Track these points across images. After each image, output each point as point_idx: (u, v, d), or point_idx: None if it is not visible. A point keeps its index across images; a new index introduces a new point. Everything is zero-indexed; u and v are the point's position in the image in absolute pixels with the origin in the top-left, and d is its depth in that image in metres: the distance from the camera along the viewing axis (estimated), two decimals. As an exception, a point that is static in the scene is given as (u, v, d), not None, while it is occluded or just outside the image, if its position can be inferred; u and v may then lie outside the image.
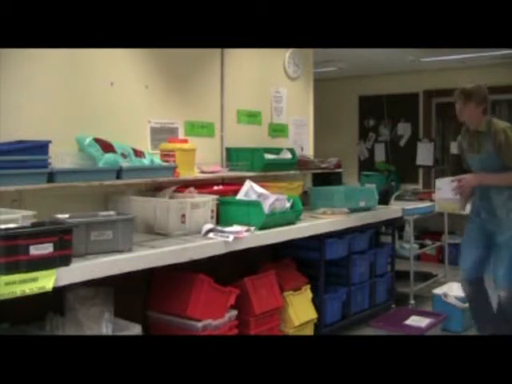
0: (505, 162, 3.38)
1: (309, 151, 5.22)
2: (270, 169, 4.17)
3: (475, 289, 3.71)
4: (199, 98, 4.05)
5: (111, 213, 2.88)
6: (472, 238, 3.72)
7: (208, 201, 3.36)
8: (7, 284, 2.13)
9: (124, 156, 3.15)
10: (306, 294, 3.88)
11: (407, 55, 6.24)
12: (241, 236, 3.15)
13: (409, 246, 5.24)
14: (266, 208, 3.43)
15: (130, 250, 2.69)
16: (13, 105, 2.92)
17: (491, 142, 3.40)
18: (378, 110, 7.81)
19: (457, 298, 4.36)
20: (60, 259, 2.31)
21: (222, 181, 4.00)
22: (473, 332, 4.34)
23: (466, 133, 3.62)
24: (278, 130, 4.82)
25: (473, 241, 3.70)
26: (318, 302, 3.94)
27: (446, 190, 3.61)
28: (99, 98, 3.34)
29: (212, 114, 4.17)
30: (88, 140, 3.06)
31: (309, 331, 3.87)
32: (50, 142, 2.79)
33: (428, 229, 6.80)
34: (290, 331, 3.69)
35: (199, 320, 3.06)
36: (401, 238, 5.67)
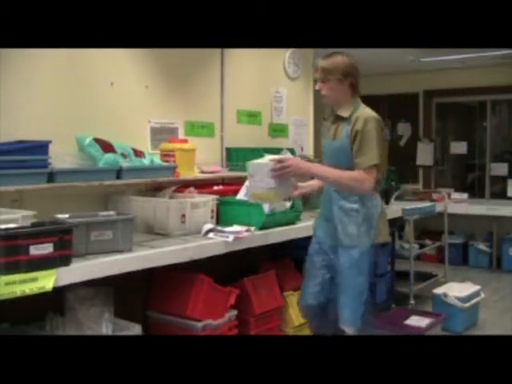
0: (353, 155, 2.68)
1: (309, 151, 5.22)
2: (269, 169, 4.17)
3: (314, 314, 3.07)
4: (199, 98, 4.05)
5: (111, 213, 2.88)
6: (312, 253, 3.02)
7: (208, 201, 3.36)
8: (7, 284, 2.13)
9: (124, 156, 3.15)
10: (306, 293, 3.87)
11: (407, 55, 6.24)
12: (241, 236, 3.14)
13: (409, 246, 5.24)
14: (266, 208, 3.42)
15: (130, 250, 2.69)
16: (13, 105, 2.92)
17: (350, 129, 2.72)
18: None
19: (457, 298, 4.37)
20: (60, 259, 2.31)
21: (222, 181, 3.99)
22: (473, 332, 4.35)
23: (331, 115, 2.89)
24: (277, 130, 4.82)
25: (313, 257, 3.00)
26: (317, 302, 3.93)
27: (261, 175, 2.71)
28: (99, 98, 3.34)
29: (212, 114, 4.17)
30: (88, 140, 3.06)
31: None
32: (50, 142, 2.79)
33: (428, 229, 6.80)
34: (290, 331, 3.69)
35: (199, 320, 3.06)
36: (401, 238, 5.67)
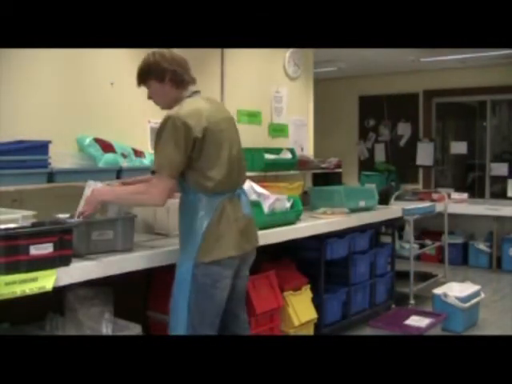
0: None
1: (309, 151, 5.22)
2: (270, 169, 4.17)
3: None
4: (199, 98, 4.04)
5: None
6: None
7: (208, 201, 3.36)
8: (7, 284, 2.13)
9: (124, 156, 3.15)
10: (306, 293, 3.88)
11: (407, 55, 6.24)
12: (241, 236, 3.14)
13: (409, 246, 5.24)
14: (266, 208, 3.42)
15: (130, 250, 2.69)
16: (13, 105, 2.92)
17: None
18: (378, 110, 7.82)
19: (457, 298, 4.37)
20: (60, 259, 2.31)
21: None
22: (473, 332, 4.35)
23: None
24: (278, 130, 4.82)
25: None
26: (317, 302, 3.94)
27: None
28: (99, 98, 3.34)
29: (212, 113, 4.16)
30: (88, 140, 3.06)
31: (309, 331, 3.87)
32: (50, 142, 2.79)
33: (428, 229, 6.81)
34: (290, 331, 3.69)
35: (199, 320, 3.06)
36: (401, 237, 5.67)
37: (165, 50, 2.53)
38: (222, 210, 2.43)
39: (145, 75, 2.52)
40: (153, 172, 2.42)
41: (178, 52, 3.73)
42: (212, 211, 2.42)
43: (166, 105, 2.54)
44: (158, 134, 2.38)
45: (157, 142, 2.38)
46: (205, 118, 2.41)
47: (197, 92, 2.56)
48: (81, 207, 2.56)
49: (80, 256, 2.50)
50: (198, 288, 2.40)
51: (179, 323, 2.43)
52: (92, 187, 2.58)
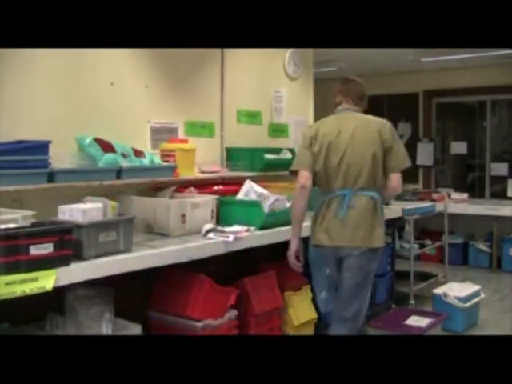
0: None
1: (309, 151, 5.21)
2: (269, 169, 4.17)
3: None
4: (199, 98, 4.04)
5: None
6: None
7: (208, 201, 3.36)
8: (7, 284, 2.13)
9: (124, 156, 3.15)
10: (306, 294, 3.88)
11: (407, 55, 6.24)
12: (241, 236, 3.15)
13: (409, 246, 5.24)
14: (266, 208, 3.42)
15: (129, 250, 2.69)
16: (13, 105, 2.92)
17: None
18: (378, 110, 7.80)
19: (457, 298, 4.37)
20: (60, 259, 2.31)
21: (222, 181, 3.99)
22: (473, 332, 4.35)
23: None
24: (278, 130, 4.82)
25: None
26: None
27: None
28: (99, 98, 3.34)
29: (212, 114, 4.17)
30: (88, 140, 3.06)
31: (309, 331, 3.87)
32: (50, 141, 2.79)
33: (428, 229, 6.80)
34: (290, 331, 3.69)
35: (199, 320, 3.06)
36: (401, 237, 5.67)
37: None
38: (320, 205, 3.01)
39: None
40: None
41: (178, 52, 3.75)
42: (319, 206, 3.03)
43: None
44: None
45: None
46: (326, 130, 2.97)
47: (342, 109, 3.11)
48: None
49: (89, 259, 2.48)
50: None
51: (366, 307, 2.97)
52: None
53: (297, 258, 3.01)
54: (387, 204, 5.13)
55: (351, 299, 2.90)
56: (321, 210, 2.97)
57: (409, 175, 7.49)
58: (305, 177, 2.92)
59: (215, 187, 3.75)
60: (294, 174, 3.00)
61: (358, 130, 2.93)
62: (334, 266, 2.97)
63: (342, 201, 2.89)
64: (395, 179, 2.99)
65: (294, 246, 3.00)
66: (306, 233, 3.10)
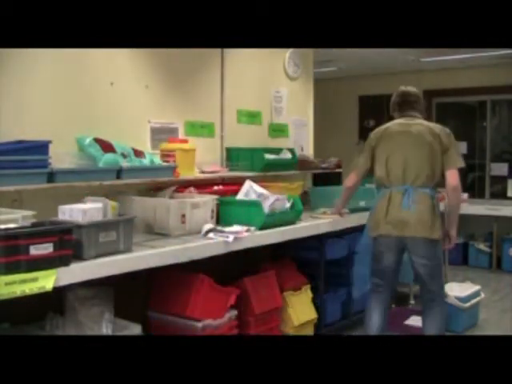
0: None
1: (309, 151, 5.22)
2: (269, 169, 4.17)
3: None
4: (199, 98, 4.04)
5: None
6: None
7: (208, 201, 3.36)
8: (7, 284, 2.13)
9: (124, 156, 3.15)
10: (306, 294, 3.88)
11: (407, 55, 6.24)
12: (241, 236, 3.15)
13: (409, 246, 5.22)
14: (266, 208, 3.42)
15: (129, 250, 2.69)
16: (13, 105, 2.92)
17: None
18: (378, 110, 7.81)
19: (457, 298, 4.36)
20: (60, 259, 2.31)
21: (222, 181, 4.00)
22: (473, 332, 4.35)
23: None
24: (278, 130, 4.82)
25: None
26: (318, 302, 3.94)
27: None
28: (99, 98, 3.34)
29: (212, 114, 4.17)
30: (88, 140, 3.06)
31: (309, 331, 3.87)
32: (50, 141, 2.79)
33: (428, 229, 6.78)
34: (290, 331, 3.69)
35: (199, 320, 3.06)
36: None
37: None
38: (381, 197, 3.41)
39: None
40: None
41: (177, 52, 3.75)
42: (378, 198, 3.47)
43: None
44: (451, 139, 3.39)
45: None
46: (386, 130, 3.43)
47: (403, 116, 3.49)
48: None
49: (89, 259, 2.48)
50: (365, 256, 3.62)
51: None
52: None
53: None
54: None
55: (431, 282, 3.31)
56: (382, 203, 3.32)
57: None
58: (349, 178, 3.65)
59: (215, 187, 3.75)
60: None
61: (420, 133, 3.32)
62: (395, 255, 3.33)
63: (403, 195, 3.26)
64: (452, 175, 3.36)
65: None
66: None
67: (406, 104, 3.47)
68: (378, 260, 3.38)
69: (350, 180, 3.61)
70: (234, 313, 3.30)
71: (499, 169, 7.17)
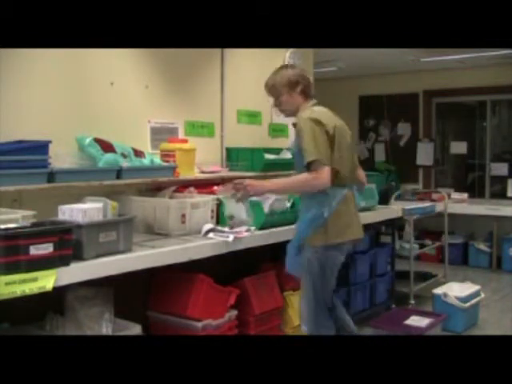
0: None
1: (309, 151, 5.21)
2: (269, 169, 4.17)
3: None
4: (199, 98, 4.04)
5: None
6: None
7: (208, 201, 3.36)
8: (7, 284, 2.13)
9: (124, 156, 3.15)
10: (306, 293, 3.87)
11: (407, 55, 6.24)
12: (241, 236, 3.15)
13: (409, 246, 5.24)
14: (266, 208, 3.42)
15: (129, 250, 2.69)
16: (13, 105, 2.92)
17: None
18: (378, 110, 7.82)
19: (457, 298, 4.37)
20: (60, 259, 2.31)
21: (222, 181, 3.99)
22: (473, 332, 4.35)
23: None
24: (278, 130, 4.82)
25: None
26: (317, 302, 3.93)
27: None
28: (99, 98, 3.34)
29: (212, 114, 4.17)
30: (88, 140, 3.05)
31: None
32: (50, 142, 2.79)
33: (428, 229, 6.80)
34: (290, 331, 3.69)
35: (199, 320, 3.06)
36: (401, 237, 5.67)
37: (297, 68, 3.10)
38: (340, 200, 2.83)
39: (279, 87, 2.99)
40: (307, 165, 2.70)
41: (177, 52, 3.75)
42: (333, 200, 2.80)
43: (294, 113, 2.96)
44: (300, 134, 2.76)
45: (302, 141, 2.73)
46: (333, 119, 2.85)
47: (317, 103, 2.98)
48: (247, 182, 2.86)
49: (88, 259, 2.48)
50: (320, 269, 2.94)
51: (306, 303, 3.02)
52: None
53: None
54: (387, 204, 5.14)
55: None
56: (339, 206, 2.80)
57: (409, 175, 7.56)
58: (329, 175, 2.70)
59: (215, 187, 3.74)
60: (313, 165, 2.69)
61: (342, 124, 2.92)
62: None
63: (353, 195, 2.94)
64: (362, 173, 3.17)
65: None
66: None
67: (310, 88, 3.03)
68: (332, 275, 2.88)
69: (328, 174, 2.74)
70: (234, 313, 3.30)
71: (499, 169, 7.17)
